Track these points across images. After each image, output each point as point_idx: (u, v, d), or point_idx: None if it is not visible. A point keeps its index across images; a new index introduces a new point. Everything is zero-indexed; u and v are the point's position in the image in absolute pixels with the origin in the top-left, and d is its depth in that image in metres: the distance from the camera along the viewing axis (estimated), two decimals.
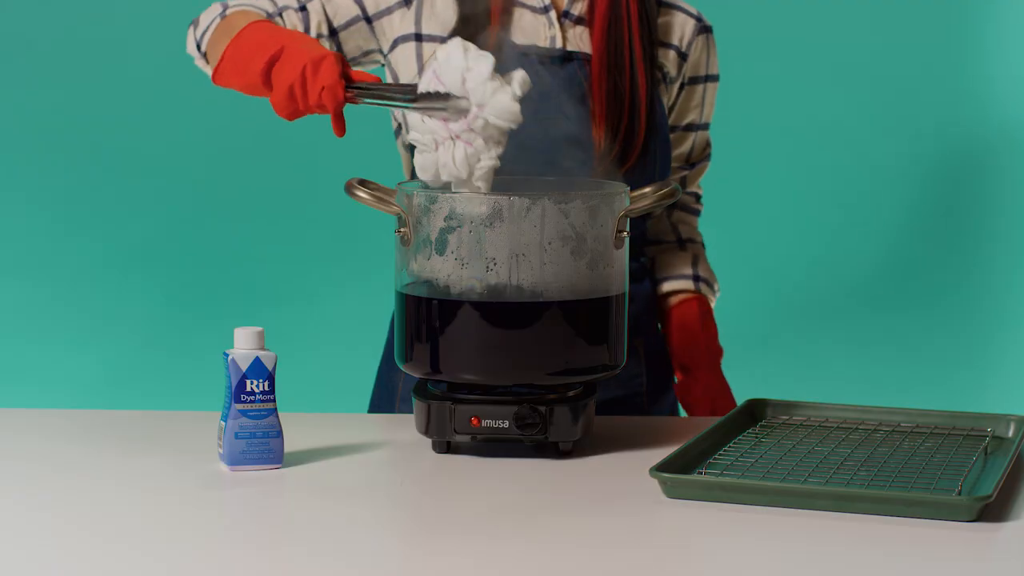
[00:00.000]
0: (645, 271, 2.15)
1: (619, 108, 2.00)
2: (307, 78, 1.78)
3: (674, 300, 2.16)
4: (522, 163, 1.92)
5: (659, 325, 2.18)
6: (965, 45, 3.50)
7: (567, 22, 2.03)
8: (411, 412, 1.99)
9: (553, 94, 1.98)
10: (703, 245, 2.22)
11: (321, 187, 3.33)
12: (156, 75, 3.47)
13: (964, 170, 3.52)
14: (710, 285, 2.18)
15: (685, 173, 2.18)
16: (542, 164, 1.93)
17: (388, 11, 2.03)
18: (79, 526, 1.52)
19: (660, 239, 2.20)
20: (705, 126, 2.16)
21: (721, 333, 2.22)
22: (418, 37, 2.02)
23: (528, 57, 1.99)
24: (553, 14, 2.03)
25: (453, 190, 1.78)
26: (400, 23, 2.02)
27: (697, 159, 2.18)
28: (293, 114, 1.82)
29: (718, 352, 2.16)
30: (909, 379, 3.50)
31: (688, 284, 2.16)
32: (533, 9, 2.03)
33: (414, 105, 1.76)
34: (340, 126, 1.81)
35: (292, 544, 1.47)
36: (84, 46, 3.46)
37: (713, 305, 2.18)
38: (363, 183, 1.78)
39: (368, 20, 2.03)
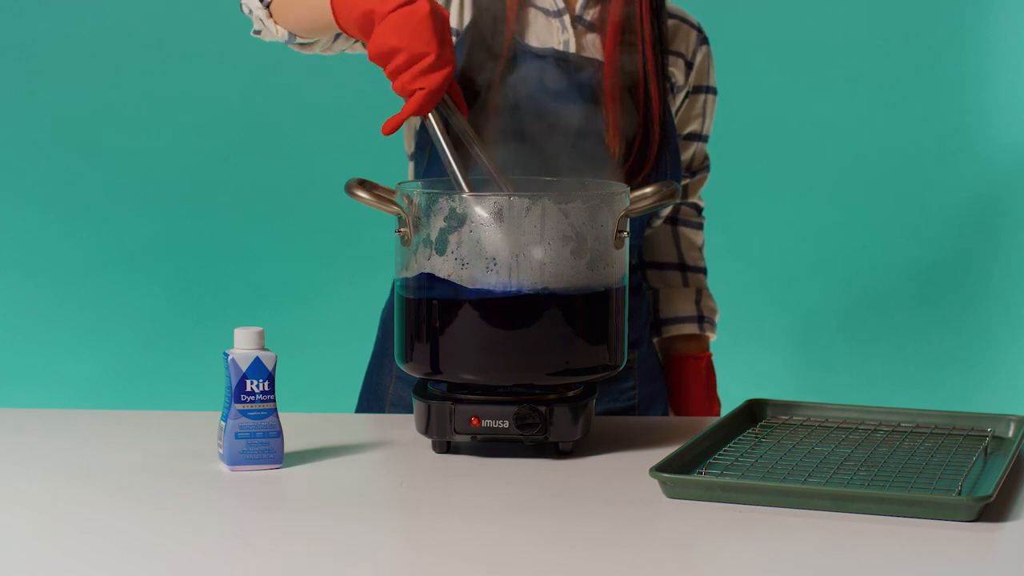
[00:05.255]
0: (640, 287, 2.15)
1: (633, 119, 2.00)
2: (417, 67, 1.74)
3: (678, 348, 2.19)
4: (535, 170, 1.93)
5: (658, 352, 2.20)
6: (965, 48, 3.50)
7: (580, 27, 2.03)
8: (400, 414, 2.00)
9: (567, 100, 1.98)
10: (705, 271, 2.22)
11: (321, 187, 3.33)
12: (156, 75, 3.47)
13: (964, 170, 3.52)
14: (712, 322, 2.20)
15: (687, 182, 2.18)
16: (555, 172, 1.93)
17: None
18: (78, 526, 1.52)
19: (662, 261, 2.20)
20: (705, 138, 2.16)
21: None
22: None
23: (544, 60, 1.99)
24: (567, 18, 2.02)
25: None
26: None
27: (697, 168, 2.18)
28: (377, 61, 1.76)
29: (717, 405, 2.19)
30: (909, 379, 3.50)
31: (692, 328, 2.19)
32: (546, 12, 2.03)
33: (454, 164, 1.78)
34: (394, 126, 1.77)
35: (292, 544, 1.47)
36: (83, 46, 3.46)
37: (714, 338, 2.20)
38: (363, 183, 1.78)
39: None
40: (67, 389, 3.43)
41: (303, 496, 1.65)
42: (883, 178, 3.52)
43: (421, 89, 1.74)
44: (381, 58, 1.75)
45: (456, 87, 1.85)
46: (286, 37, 1.95)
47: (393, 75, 1.75)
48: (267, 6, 1.92)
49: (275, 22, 1.93)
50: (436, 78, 1.74)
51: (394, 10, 1.73)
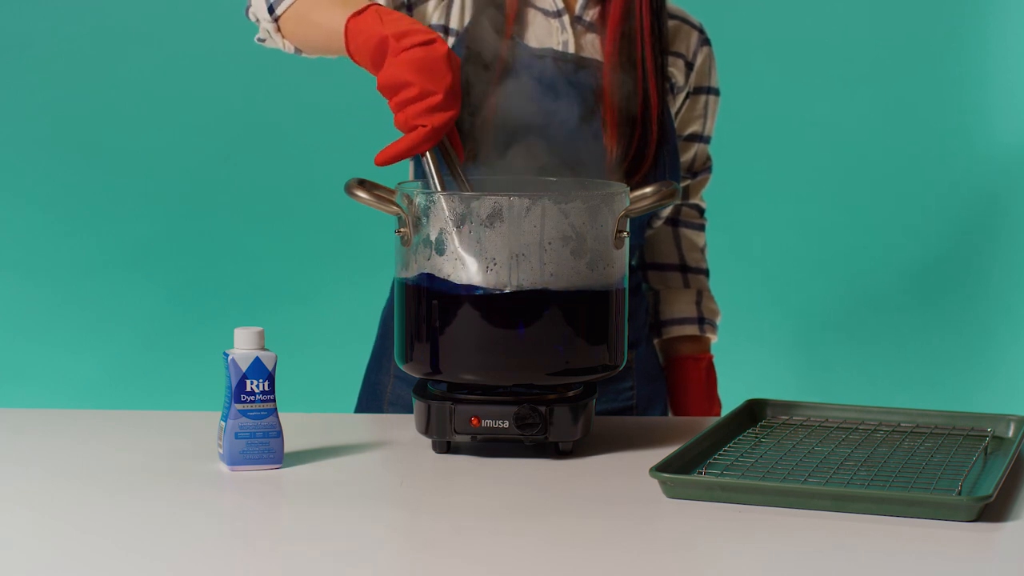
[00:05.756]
0: (639, 287, 2.15)
1: (631, 118, 2.00)
2: (425, 103, 1.74)
3: (679, 350, 2.19)
4: (534, 170, 1.93)
5: (659, 354, 2.21)
6: (965, 48, 3.50)
7: (579, 28, 2.03)
8: (400, 414, 2.01)
9: (566, 100, 1.98)
10: (707, 273, 2.22)
11: (321, 187, 3.33)
12: (156, 75, 3.48)
13: (964, 171, 3.52)
14: (713, 324, 2.20)
15: (688, 182, 2.18)
16: (553, 171, 1.93)
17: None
18: (78, 526, 1.52)
19: (663, 262, 2.20)
20: (707, 140, 2.16)
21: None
22: (446, 31, 2.01)
23: (543, 60, 1.99)
24: (566, 18, 2.02)
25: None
26: (432, 12, 2.01)
27: (699, 169, 2.18)
28: (385, 92, 1.76)
29: (717, 406, 2.19)
30: (909, 379, 3.50)
31: (693, 329, 2.19)
32: (546, 12, 2.03)
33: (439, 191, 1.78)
34: (389, 159, 1.76)
35: (292, 544, 1.47)
36: (83, 46, 3.46)
37: (715, 340, 2.20)
38: (363, 183, 1.78)
39: (409, 7, 2.02)
40: (67, 389, 3.43)
41: (303, 496, 1.65)
42: (883, 178, 3.52)
43: (424, 126, 1.73)
44: (390, 89, 1.74)
45: (455, 132, 1.85)
46: (292, 51, 1.95)
47: (399, 107, 1.74)
48: (275, 20, 1.92)
49: (283, 36, 1.93)
50: (441, 118, 1.73)
51: (410, 48, 1.74)
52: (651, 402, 2.12)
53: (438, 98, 1.73)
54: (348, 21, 1.79)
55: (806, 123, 3.51)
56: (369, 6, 1.79)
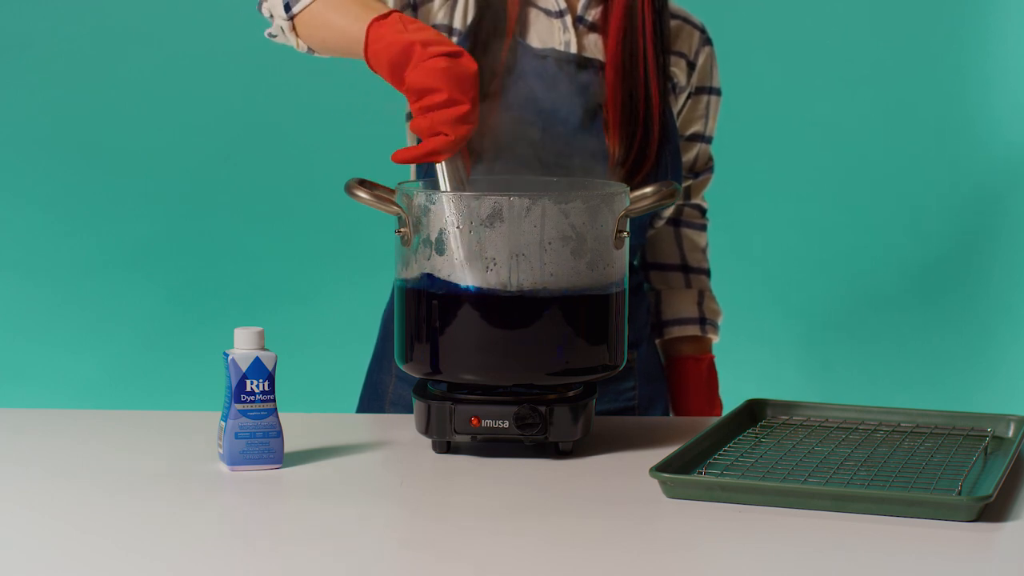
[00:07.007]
0: (640, 287, 2.15)
1: (634, 118, 2.00)
2: (451, 112, 1.73)
3: (680, 350, 2.19)
4: (535, 170, 1.93)
5: (660, 354, 2.20)
6: (965, 48, 3.50)
7: (582, 28, 2.03)
8: (400, 414, 2.00)
9: (568, 100, 1.98)
10: (709, 273, 2.22)
11: (321, 187, 3.33)
12: (156, 75, 3.48)
13: (964, 170, 3.52)
14: (714, 324, 2.20)
15: (689, 183, 2.18)
16: (555, 171, 1.93)
17: None
18: (78, 526, 1.52)
19: (664, 262, 2.20)
20: (708, 139, 2.16)
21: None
22: (450, 31, 2.01)
23: (545, 60, 1.99)
24: (568, 19, 2.02)
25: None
26: (437, 11, 2.01)
27: (701, 169, 2.18)
28: (411, 95, 1.75)
29: (719, 407, 2.19)
30: (909, 378, 3.50)
31: (695, 329, 2.19)
32: (548, 12, 2.03)
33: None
34: (407, 160, 1.75)
35: (292, 544, 1.47)
36: (83, 46, 3.46)
37: (717, 340, 2.20)
38: (363, 183, 1.78)
39: (414, 7, 2.01)
40: (67, 389, 3.43)
41: (303, 496, 1.65)
42: (884, 178, 3.52)
43: (446, 135, 1.73)
44: (416, 92, 1.73)
45: (465, 147, 1.84)
46: (304, 51, 1.94)
47: (423, 111, 1.73)
48: (291, 18, 1.91)
49: (297, 36, 1.92)
50: (463, 129, 1.73)
51: (439, 56, 1.73)
52: (652, 402, 2.12)
53: (465, 108, 1.72)
54: (371, 25, 1.78)
55: (807, 123, 3.51)
56: (392, 12, 1.79)
